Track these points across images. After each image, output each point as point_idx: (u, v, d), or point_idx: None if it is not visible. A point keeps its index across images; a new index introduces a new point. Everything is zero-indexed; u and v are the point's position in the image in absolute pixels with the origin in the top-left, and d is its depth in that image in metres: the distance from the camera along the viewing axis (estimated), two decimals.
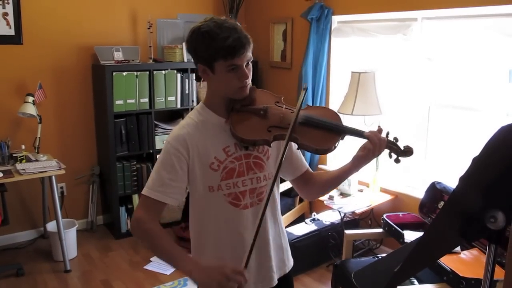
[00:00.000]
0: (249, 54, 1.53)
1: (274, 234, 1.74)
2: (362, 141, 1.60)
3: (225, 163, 1.59)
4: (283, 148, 1.51)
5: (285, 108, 1.63)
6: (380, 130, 1.60)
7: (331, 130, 1.59)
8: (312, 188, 1.79)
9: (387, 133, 1.62)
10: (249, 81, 1.58)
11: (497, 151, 0.89)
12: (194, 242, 1.74)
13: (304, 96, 1.60)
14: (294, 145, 1.69)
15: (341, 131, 1.59)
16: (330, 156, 4.36)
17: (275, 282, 1.74)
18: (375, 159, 1.69)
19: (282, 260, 1.79)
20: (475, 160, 0.90)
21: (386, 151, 1.62)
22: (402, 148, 1.61)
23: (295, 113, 1.55)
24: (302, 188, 1.82)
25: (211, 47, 1.48)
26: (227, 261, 1.63)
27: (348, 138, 1.62)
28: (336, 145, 1.58)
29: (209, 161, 1.58)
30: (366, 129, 1.66)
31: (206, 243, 1.68)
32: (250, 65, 1.57)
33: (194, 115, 1.64)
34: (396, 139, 1.63)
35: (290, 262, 1.84)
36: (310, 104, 3.33)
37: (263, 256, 1.71)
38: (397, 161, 1.62)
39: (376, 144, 1.54)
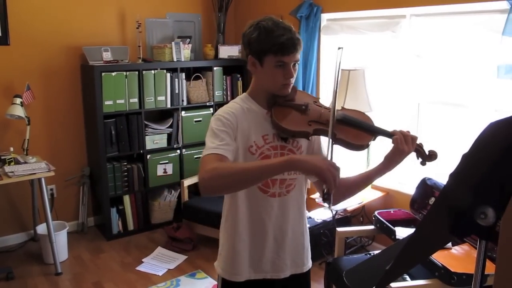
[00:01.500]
0: (298, 56, 1.64)
1: (295, 228, 1.80)
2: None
3: (262, 149, 1.67)
4: (329, 139, 1.60)
5: (323, 107, 1.76)
6: (408, 132, 1.70)
7: (365, 130, 1.71)
8: (340, 189, 1.79)
9: (416, 137, 1.71)
10: (293, 81, 1.69)
11: (486, 147, 0.89)
12: (225, 224, 1.80)
13: (341, 56, 1.71)
14: (324, 147, 1.81)
15: (374, 132, 1.71)
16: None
17: (285, 275, 1.80)
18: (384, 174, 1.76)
19: (301, 258, 1.85)
20: (465, 157, 0.90)
21: (413, 154, 1.72)
22: (427, 153, 1.73)
23: (336, 81, 1.65)
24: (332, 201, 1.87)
25: (265, 41, 1.59)
26: (248, 246, 1.74)
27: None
28: (369, 143, 1.70)
29: (248, 144, 1.66)
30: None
31: (234, 226, 1.75)
32: (297, 66, 1.68)
33: (239, 101, 1.73)
34: (421, 144, 1.74)
35: (309, 263, 1.90)
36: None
37: (279, 246, 1.77)
38: (423, 163, 1.74)
39: (407, 140, 1.65)
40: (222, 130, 1.60)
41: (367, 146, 1.70)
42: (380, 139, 1.72)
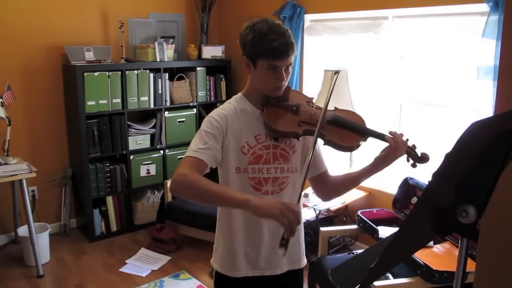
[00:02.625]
0: (291, 60, 1.66)
1: None
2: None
3: (254, 148, 1.71)
4: (314, 140, 1.63)
5: (315, 107, 1.77)
6: (401, 135, 1.74)
7: (355, 131, 1.73)
8: (329, 187, 1.89)
9: (407, 139, 1.75)
10: (285, 83, 1.71)
11: (468, 146, 0.91)
12: (220, 222, 1.83)
13: (335, 80, 1.75)
14: (318, 146, 1.83)
15: (365, 133, 1.74)
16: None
17: (282, 270, 1.83)
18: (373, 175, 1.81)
19: (297, 255, 1.88)
20: (447, 156, 0.92)
21: (404, 156, 1.75)
22: (419, 155, 1.76)
23: (325, 105, 1.68)
24: (318, 187, 1.92)
25: (259, 45, 1.63)
26: (243, 243, 1.76)
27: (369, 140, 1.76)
28: (359, 144, 1.72)
29: (241, 144, 1.70)
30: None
31: (229, 224, 1.78)
32: (290, 69, 1.71)
33: (234, 102, 1.77)
34: (414, 146, 1.77)
35: (304, 260, 1.93)
36: None
37: (275, 243, 1.77)
38: (413, 166, 1.77)
39: (399, 145, 1.69)
40: (209, 133, 1.65)
41: (357, 147, 1.72)
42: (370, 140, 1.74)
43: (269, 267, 1.80)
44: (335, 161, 3.73)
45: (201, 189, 1.52)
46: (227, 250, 1.79)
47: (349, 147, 1.71)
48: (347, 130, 1.73)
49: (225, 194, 1.53)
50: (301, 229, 1.91)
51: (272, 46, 1.60)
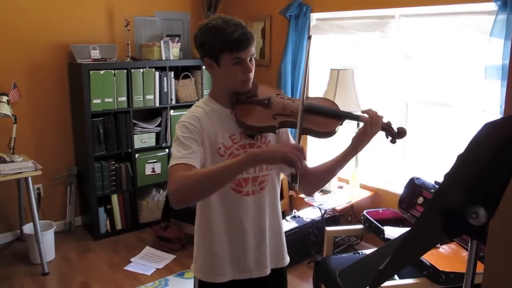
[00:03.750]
0: (253, 49, 1.62)
1: (272, 223, 1.81)
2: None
3: (231, 149, 1.66)
4: (298, 129, 1.60)
5: (286, 99, 1.75)
6: (375, 111, 1.71)
7: (331, 116, 1.71)
8: (311, 180, 1.82)
9: (382, 116, 1.73)
10: (252, 75, 1.66)
11: (480, 148, 0.90)
12: (199, 227, 1.78)
13: (309, 45, 1.75)
14: (292, 138, 1.84)
15: (341, 116, 1.72)
16: (311, 154, 4.38)
17: (269, 271, 1.80)
18: (354, 156, 1.80)
19: (280, 253, 1.86)
20: (459, 157, 0.90)
21: (383, 134, 1.74)
22: (396, 130, 1.75)
23: (298, 102, 1.67)
24: (300, 182, 1.85)
25: (218, 40, 1.57)
26: (227, 246, 1.72)
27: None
28: (337, 129, 1.69)
29: (216, 146, 1.65)
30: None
31: (209, 228, 1.73)
32: (253, 60, 1.65)
33: (201, 104, 1.72)
34: (389, 122, 1.76)
35: (287, 258, 1.90)
36: None
37: (260, 243, 1.77)
38: (393, 141, 1.76)
39: (373, 120, 1.66)
40: (188, 137, 1.58)
41: (335, 132, 1.69)
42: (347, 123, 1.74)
43: (257, 269, 1.77)
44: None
45: (205, 176, 1.44)
46: (209, 255, 1.74)
47: (328, 133, 1.68)
48: (323, 116, 1.70)
49: (227, 164, 1.44)
50: (282, 228, 1.88)
51: (233, 38, 1.55)
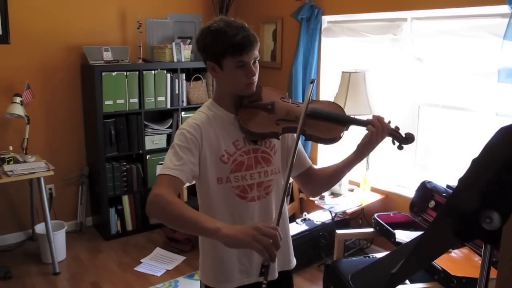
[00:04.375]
0: (256, 52, 1.59)
1: (280, 227, 1.76)
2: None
3: (234, 156, 1.63)
4: (296, 137, 1.56)
5: (291, 102, 1.70)
6: (381, 119, 1.68)
7: (336, 121, 1.67)
8: (316, 183, 1.82)
9: (389, 122, 1.70)
10: (256, 79, 1.63)
11: (495, 151, 0.89)
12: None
13: (311, 89, 1.66)
14: (300, 143, 1.77)
15: (346, 122, 1.68)
16: (321, 156, 4.38)
17: (276, 275, 1.77)
18: (364, 159, 1.77)
19: (287, 257, 1.84)
20: (474, 161, 0.90)
21: (389, 139, 1.70)
22: (404, 135, 1.70)
23: (305, 104, 1.61)
24: (305, 184, 1.86)
25: (221, 44, 1.54)
26: (234, 253, 1.67)
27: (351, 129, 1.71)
28: (341, 135, 1.65)
29: (219, 153, 1.62)
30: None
31: None
32: (257, 63, 1.62)
33: (205, 109, 1.69)
34: (397, 127, 1.72)
35: (294, 260, 1.88)
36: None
37: None
38: (400, 148, 1.71)
39: (379, 129, 1.63)
40: (183, 147, 1.56)
41: (339, 138, 1.65)
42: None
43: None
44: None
45: (175, 214, 1.43)
46: (218, 262, 1.70)
47: (332, 139, 1.64)
48: (328, 122, 1.66)
49: (198, 221, 1.40)
50: (289, 231, 1.85)
51: (236, 41, 1.52)
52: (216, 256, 1.71)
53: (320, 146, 4.31)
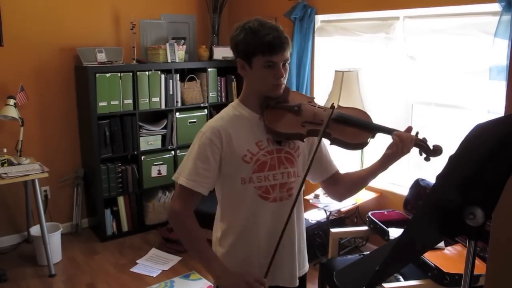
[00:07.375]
0: (287, 55, 1.59)
1: (298, 234, 1.78)
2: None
3: (257, 156, 1.64)
4: (318, 138, 1.59)
5: (317, 107, 1.71)
6: (409, 129, 1.69)
7: (362, 127, 1.67)
8: (341, 188, 1.83)
9: (417, 133, 1.70)
10: (284, 81, 1.64)
11: (472, 148, 0.90)
12: (221, 233, 1.76)
13: (331, 114, 1.65)
14: (324, 147, 1.79)
15: (372, 129, 1.68)
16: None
17: (297, 282, 1.77)
18: (383, 171, 1.75)
19: (303, 261, 1.84)
20: (451, 158, 0.91)
21: (416, 150, 1.69)
22: (431, 148, 1.69)
23: (329, 111, 1.63)
24: (331, 189, 1.87)
25: (252, 42, 1.56)
26: (253, 254, 1.69)
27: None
28: (367, 141, 1.66)
29: (242, 154, 1.63)
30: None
31: (233, 235, 1.72)
32: (287, 66, 1.63)
33: (230, 110, 1.71)
34: (425, 139, 1.71)
35: (307, 264, 1.88)
36: None
37: (290, 254, 1.74)
38: (427, 159, 1.70)
39: (404, 141, 1.63)
40: (203, 154, 1.60)
41: (365, 144, 1.66)
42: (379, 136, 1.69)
43: (290, 278, 1.74)
44: (345, 160, 3.72)
45: (188, 241, 1.65)
46: (241, 265, 1.68)
47: (358, 145, 1.65)
48: (354, 127, 1.66)
49: (203, 254, 1.63)
50: (304, 233, 1.84)
51: (266, 41, 1.54)
52: (242, 258, 1.72)
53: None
